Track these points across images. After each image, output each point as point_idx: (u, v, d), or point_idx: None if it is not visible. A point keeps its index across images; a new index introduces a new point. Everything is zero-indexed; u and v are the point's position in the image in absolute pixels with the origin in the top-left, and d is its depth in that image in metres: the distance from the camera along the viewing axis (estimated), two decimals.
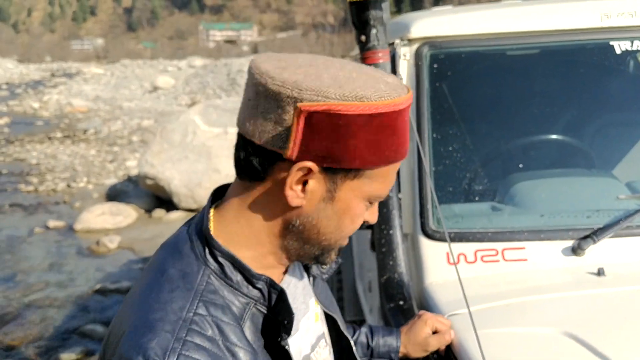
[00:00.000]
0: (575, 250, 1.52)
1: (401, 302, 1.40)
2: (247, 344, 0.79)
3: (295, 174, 0.79)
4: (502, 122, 1.88)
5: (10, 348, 4.05)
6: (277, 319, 0.83)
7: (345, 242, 0.89)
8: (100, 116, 18.45)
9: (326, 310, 1.00)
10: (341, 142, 0.76)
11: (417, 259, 1.56)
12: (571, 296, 1.39)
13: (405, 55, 1.76)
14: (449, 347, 1.24)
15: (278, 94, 0.77)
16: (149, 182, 7.84)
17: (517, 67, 1.93)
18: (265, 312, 0.84)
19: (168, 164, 7.76)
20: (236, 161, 0.87)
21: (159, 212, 7.65)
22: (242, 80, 22.36)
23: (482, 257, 1.52)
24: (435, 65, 1.76)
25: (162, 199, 7.83)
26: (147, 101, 22.52)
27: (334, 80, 0.77)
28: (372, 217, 0.89)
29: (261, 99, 0.79)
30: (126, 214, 7.33)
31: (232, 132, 8.20)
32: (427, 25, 1.78)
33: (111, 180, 9.30)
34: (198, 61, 37.57)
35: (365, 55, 1.58)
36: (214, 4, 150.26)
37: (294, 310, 0.84)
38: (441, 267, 1.51)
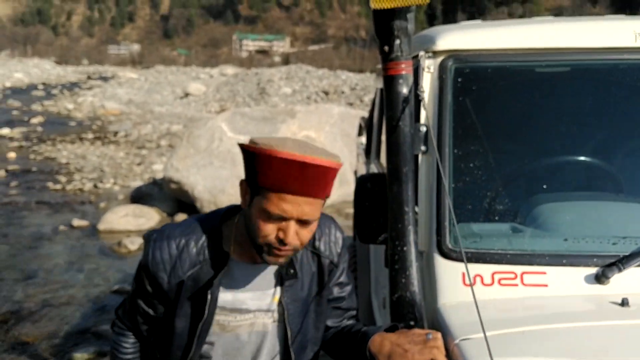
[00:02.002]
0: (599, 278, 1.44)
1: (412, 323, 1.34)
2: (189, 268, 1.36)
3: (240, 186, 1.32)
4: (527, 141, 1.81)
5: (24, 344, 4.08)
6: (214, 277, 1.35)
7: (258, 242, 1.26)
8: (132, 119, 18.76)
9: (284, 304, 1.40)
10: (251, 167, 1.26)
11: (431, 278, 1.50)
12: (593, 326, 1.32)
13: (429, 68, 1.72)
14: None
15: None
16: (173, 186, 7.90)
17: (546, 85, 1.86)
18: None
19: (193, 169, 7.81)
20: None
21: (181, 216, 7.68)
22: (272, 89, 22.52)
23: (499, 280, 1.46)
24: (459, 79, 1.71)
25: (185, 204, 7.88)
26: (178, 107, 22.83)
27: (271, 139, 1.23)
28: (283, 234, 1.24)
29: None
30: (149, 216, 7.39)
31: None
32: (453, 37, 1.74)
33: (137, 183, 9.41)
34: (230, 70, 38.02)
35: (387, 66, 1.54)
36: (249, 14, 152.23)
37: (240, 281, 1.38)
38: (456, 287, 1.45)
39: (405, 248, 1.41)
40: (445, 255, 1.49)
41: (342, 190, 8.46)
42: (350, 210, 7.91)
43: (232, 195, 7.65)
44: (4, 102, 25.56)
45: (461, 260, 1.47)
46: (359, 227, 1.63)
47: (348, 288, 1.53)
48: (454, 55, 1.72)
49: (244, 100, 22.32)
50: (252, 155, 1.24)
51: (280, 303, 1.41)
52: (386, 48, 1.53)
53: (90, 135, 15.11)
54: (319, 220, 1.30)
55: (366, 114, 6.33)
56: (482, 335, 1.20)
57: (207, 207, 7.60)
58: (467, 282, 1.43)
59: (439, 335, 1.27)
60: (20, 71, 49.56)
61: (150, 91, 28.91)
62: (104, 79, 48.29)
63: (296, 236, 1.25)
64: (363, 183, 1.62)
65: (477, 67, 1.75)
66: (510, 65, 1.78)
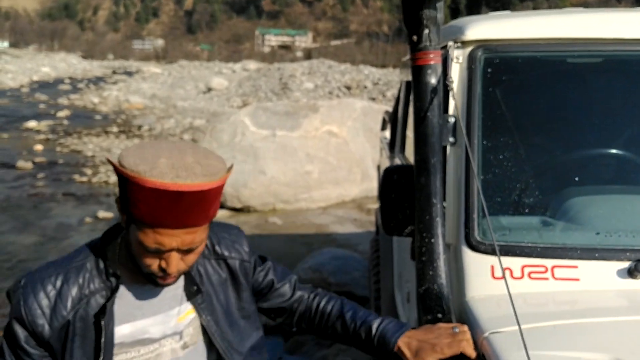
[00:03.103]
0: (632, 272, 1.41)
1: (439, 315, 1.32)
2: (70, 307, 1.16)
3: (117, 204, 1.16)
4: (559, 133, 1.77)
5: None
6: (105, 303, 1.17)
7: (145, 271, 1.14)
8: (155, 114, 18.96)
9: (204, 323, 1.27)
10: (121, 189, 1.10)
11: (459, 271, 1.48)
12: (625, 321, 1.29)
13: (458, 58, 1.69)
14: None
15: None
16: None
17: (578, 76, 1.82)
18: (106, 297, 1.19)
19: None
20: None
21: None
22: (294, 85, 22.53)
23: (529, 274, 1.43)
24: (489, 70, 1.68)
25: None
26: (201, 101, 23.00)
27: (141, 157, 1.07)
28: (165, 264, 1.12)
29: None
30: None
31: (280, 135, 8.24)
32: (483, 27, 1.71)
33: None
34: (252, 65, 38.15)
35: (416, 56, 1.52)
36: (271, 9, 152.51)
37: (136, 307, 1.20)
38: (484, 281, 1.43)
39: (432, 240, 1.39)
40: (474, 247, 1.46)
41: (364, 185, 8.44)
42: (372, 206, 7.89)
43: (254, 190, 7.69)
44: (32, 96, 26.05)
45: (489, 253, 1.44)
46: (385, 219, 1.62)
47: (268, 265, 1.44)
48: (483, 45, 1.69)
49: (266, 95, 22.39)
50: (122, 178, 1.09)
51: (190, 321, 1.27)
52: (415, 38, 1.51)
53: (115, 129, 15.32)
54: (208, 228, 1.17)
55: (389, 109, 6.28)
56: (511, 328, 1.18)
57: (230, 200, 7.66)
58: (496, 275, 1.41)
59: (465, 328, 1.25)
60: (48, 65, 50.46)
61: (173, 86, 29.17)
62: (129, 73, 48.88)
63: (181, 263, 1.14)
64: (389, 175, 1.60)
65: (507, 57, 1.72)
66: (540, 55, 1.74)
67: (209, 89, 25.69)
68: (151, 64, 68.00)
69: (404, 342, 1.27)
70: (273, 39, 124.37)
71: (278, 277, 1.45)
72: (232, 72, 34.99)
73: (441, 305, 1.34)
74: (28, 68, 45.31)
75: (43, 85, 34.17)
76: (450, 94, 1.58)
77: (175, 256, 1.12)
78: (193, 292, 1.27)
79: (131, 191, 1.06)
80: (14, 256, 6.14)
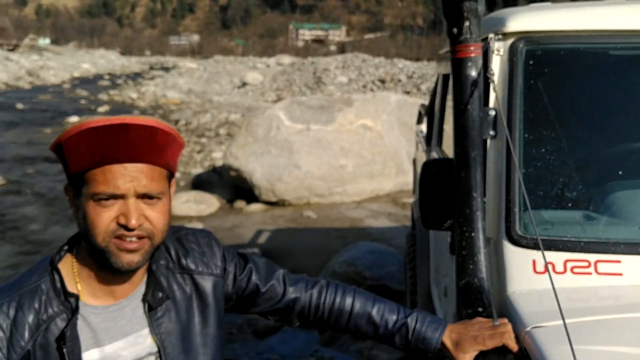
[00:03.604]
0: None
1: (480, 309, 1.32)
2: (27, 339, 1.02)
3: (65, 192, 1.09)
4: (602, 126, 1.73)
5: None
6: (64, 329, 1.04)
7: (102, 243, 1.02)
8: (192, 109, 19.25)
9: (158, 344, 1.12)
10: (65, 161, 1.03)
11: (500, 266, 1.47)
12: None
13: (499, 51, 1.67)
14: None
15: None
16: (232, 173, 8.07)
17: (622, 68, 1.77)
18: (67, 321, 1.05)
19: (251, 157, 7.95)
20: None
21: (239, 203, 7.85)
22: (328, 79, 22.53)
23: (572, 268, 1.41)
24: (530, 62, 1.66)
25: (243, 191, 8.03)
26: (236, 96, 23.24)
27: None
28: (124, 218, 1.01)
29: None
30: (209, 202, 7.58)
31: (315, 129, 8.27)
32: (524, 19, 1.68)
33: (197, 170, 9.66)
34: (286, 59, 38.30)
35: (456, 49, 1.51)
36: (305, 4, 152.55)
37: (103, 330, 1.07)
38: (526, 275, 1.42)
39: (473, 234, 1.39)
40: (515, 242, 1.45)
41: (399, 179, 8.40)
42: (407, 200, 7.84)
43: (288, 184, 7.75)
44: (73, 92, 26.78)
45: (531, 248, 1.43)
46: (424, 213, 1.62)
47: (249, 267, 1.28)
48: (525, 37, 1.66)
49: (300, 90, 22.45)
50: (62, 144, 1.02)
51: (155, 341, 1.13)
52: (455, 30, 1.50)
53: None
54: (172, 233, 1.10)
55: (424, 102, 6.23)
56: (554, 323, 1.18)
57: (265, 194, 7.73)
58: (538, 269, 1.40)
59: (506, 321, 1.25)
60: (88, 62, 51.73)
61: (209, 81, 29.54)
62: (165, 69, 49.69)
63: (142, 217, 1.03)
64: (429, 168, 1.60)
65: (549, 49, 1.69)
66: (583, 47, 1.71)
67: (244, 84, 25.91)
68: (187, 59, 69.01)
69: (445, 336, 1.25)
70: (307, 33, 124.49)
71: (263, 280, 1.29)
72: (266, 67, 35.20)
73: (481, 299, 1.33)
74: (69, 64, 46.55)
75: (83, 81, 35.09)
76: (491, 86, 1.57)
77: (134, 204, 1.01)
78: (158, 299, 1.13)
79: (74, 143, 1.00)
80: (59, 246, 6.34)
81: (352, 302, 1.30)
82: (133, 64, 61.76)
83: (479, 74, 1.50)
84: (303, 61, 26.99)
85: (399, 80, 22.37)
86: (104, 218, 1.01)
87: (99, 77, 40.30)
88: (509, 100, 1.60)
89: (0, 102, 21.00)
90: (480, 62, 1.52)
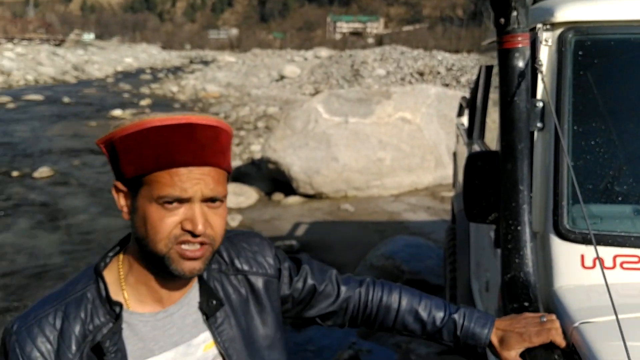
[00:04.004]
0: None
1: (526, 304, 1.30)
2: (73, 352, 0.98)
3: (114, 192, 1.02)
4: None
5: None
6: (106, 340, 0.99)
7: (162, 248, 0.96)
8: (230, 102, 19.48)
9: (222, 351, 1.06)
10: (120, 159, 0.97)
11: (546, 260, 1.44)
12: None
13: (547, 41, 1.63)
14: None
15: None
16: (270, 166, 8.14)
17: None
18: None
19: (289, 150, 8.00)
20: None
21: (277, 196, 7.91)
22: (365, 71, 22.42)
23: (621, 264, 1.38)
24: (579, 53, 1.61)
25: (281, 183, 8.10)
26: (274, 89, 23.38)
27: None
28: (190, 223, 0.96)
29: None
30: (248, 195, 7.68)
31: (353, 122, 8.25)
32: (574, 8, 1.64)
33: (236, 162, 9.78)
34: (324, 52, 38.28)
35: (503, 39, 1.49)
36: None
37: (152, 339, 1.02)
38: (573, 270, 1.39)
39: (519, 228, 1.37)
40: (562, 236, 1.42)
41: (438, 173, 8.32)
42: (446, 194, 7.76)
43: (326, 177, 7.77)
44: (116, 86, 27.45)
45: (579, 242, 1.40)
46: (468, 206, 1.60)
47: (305, 270, 1.24)
48: (574, 27, 1.62)
49: (338, 83, 22.42)
50: (115, 141, 0.97)
51: (219, 350, 1.07)
52: (502, 20, 1.48)
53: None
54: (224, 236, 1.03)
55: (464, 94, 6.12)
56: (603, 319, 1.15)
57: (303, 187, 7.78)
58: (587, 264, 1.37)
59: (554, 317, 1.22)
60: (130, 56, 52.92)
61: (247, 74, 29.81)
62: (205, 62, 50.37)
63: (207, 223, 0.98)
64: (473, 161, 1.58)
65: (599, 39, 1.64)
66: (634, 37, 1.66)
67: (282, 77, 26.04)
68: (226, 53, 69.76)
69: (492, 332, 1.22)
70: (344, 26, 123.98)
71: (318, 280, 1.24)
72: (304, 60, 35.28)
73: (527, 293, 1.31)
74: (112, 59, 47.71)
75: (126, 75, 35.93)
76: (539, 77, 1.54)
77: (200, 209, 0.96)
78: (213, 307, 1.07)
79: (135, 146, 0.95)
80: (104, 237, 6.55)
81: (398, 298, 1.27)
82: (173, 58, 62.83)
83: (526, 65, 1.47)
84: (341, 54, 26.93)
85: (438, 73, 22.08)
86: (168, 223, 0.95)
87: (141, 71, 41.17)
88: (558, 92, 1.56)
89: (47, 95, 21.72)
90: (527, 53, 1.49)
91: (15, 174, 9.45)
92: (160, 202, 0.95)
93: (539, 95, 1.57)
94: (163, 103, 19.64)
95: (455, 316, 1.23)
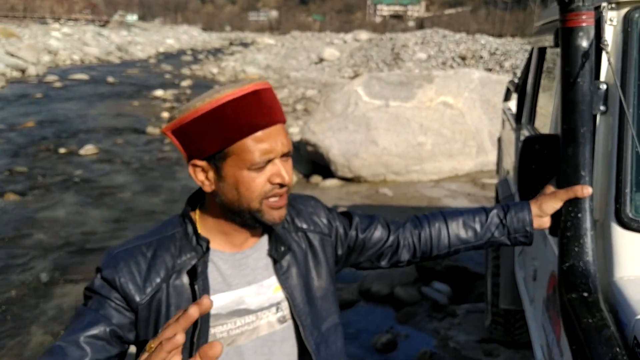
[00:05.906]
0: None
1: (585, 294, 1.25)
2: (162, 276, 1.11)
3: (192, 170, 1.12)
4: None
5: None
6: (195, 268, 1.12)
7: (256, 205, 1.10)
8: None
9: (287, 295, 1.18)
10: (197, 140, 1.08)
11: (607, 249, 1.38)
12: None
13: (612, 20, 1.55)
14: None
15: None
16: (309, 148, 8.13)
17: None
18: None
19: (328, 133, 7.96)
20: None
21: (316, 178, 7.91)
22: (406, 55, 22.10)
23: None
24: None
25: (320, 166, 8.09)
26: (313, 72, 23.30)
27: (187, 104, 1.09)
28: (277, 177, 1.10)
29: None
30: None
31: (393, 106, 8.15)
32: None
33: None
34: (363, 35, 37.85)
35: (566, 17, 1.42)
36: None
37: (230, 275, 1.14)
38: (635, 260, 1.33)
39: (579, 215, 1.31)
40: (625, 225, 1.36)
41: (479, 159, 8.16)
42: (487, 181, 7.61)
43: (365, 160, 7.71)
44: (158, 66, 27.86)
45: None
46: (523, 191, 1.54)
47: (356, 220, 1.35)
48: None
49: (377, 66, 22.18)
50: (186, 125, 1.07)
51: (284, 294, 1.18)
52: None
53: None
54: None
55: (507, 79, 5.94)
56: None
57: (341, 170, 7.75)
58: None
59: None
60: (172, 37, 53.56)
61: (286, 57, 29.77)
62: (244, 44, 50.57)
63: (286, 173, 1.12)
64: (530, 144, 1.52)
65: None
66: None
67: (321, 60, 25.91)
68: (265, 35, 69.78)
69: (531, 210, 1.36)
70: (385, 9, 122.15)
71: (369, 225, 1.36)
72: (343, 43, 34.99)
73: (587, 283, 1.26)
74: (154, 40, 48.37)
75: (168, 57, 36.40)
76: (604, 58, 1.46)
77: (280, 164, 1.10)
78: (280, 253, 1.20)
79: (214, 121, 1.05)
80: (146, 213, 6.68)
81: (444, 218, 1.39)
82: (214, 39, 63.27)
83: (590, 45, 1.40)
84: (381, 37, 26.58)
85: (481, 57, 21.59)
86: (259, 182, 1.09)
87: (182, 52, 41.65)
88: (623, 74, 1.48)
89: (92, 75, 22.21)
90: (592, 32, 1.41)
91: (62, 150, 9.72)
92: (253, 168, 1.07)
93: (602, 77, 1.49)
94: (203, 84, 19.82)
95: (495, 212, 1.38)
